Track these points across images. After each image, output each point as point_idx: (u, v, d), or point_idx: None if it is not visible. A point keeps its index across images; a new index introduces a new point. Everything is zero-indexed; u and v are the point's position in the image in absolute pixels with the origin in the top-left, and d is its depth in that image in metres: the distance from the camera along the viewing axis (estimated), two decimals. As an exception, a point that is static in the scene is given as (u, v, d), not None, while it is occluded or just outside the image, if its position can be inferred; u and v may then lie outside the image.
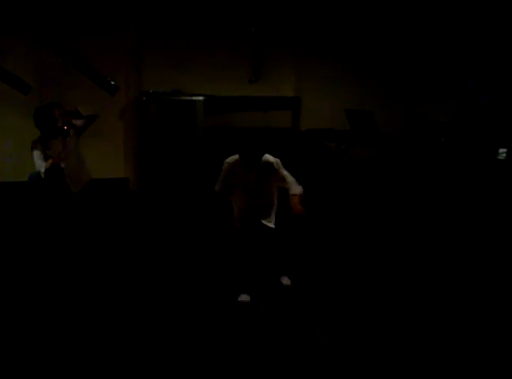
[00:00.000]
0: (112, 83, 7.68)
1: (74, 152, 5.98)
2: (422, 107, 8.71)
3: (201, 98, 8.00)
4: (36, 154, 5.79)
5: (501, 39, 7.92)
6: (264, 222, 4.70)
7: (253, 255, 4.70)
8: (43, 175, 5.72)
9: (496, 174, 6.90)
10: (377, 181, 7.92)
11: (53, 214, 5.90)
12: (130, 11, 7.91)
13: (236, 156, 4.53)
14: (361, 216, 7.16)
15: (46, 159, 5.75)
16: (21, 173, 6.44)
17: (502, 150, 7.14)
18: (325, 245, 6.17)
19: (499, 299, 4.77)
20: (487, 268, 5.45)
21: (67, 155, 5.85)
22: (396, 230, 6.62)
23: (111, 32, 7.84)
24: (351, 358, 3.77)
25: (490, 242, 6.04)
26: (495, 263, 5.56)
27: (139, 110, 8.07)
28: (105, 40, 7.81)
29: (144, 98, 7.90)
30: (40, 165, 5.72)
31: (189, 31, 8.24)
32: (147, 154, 8.01)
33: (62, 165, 5.83)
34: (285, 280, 4.87)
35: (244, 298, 4.54)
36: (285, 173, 4.62)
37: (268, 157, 4.55)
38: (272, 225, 4.75)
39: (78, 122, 5.91)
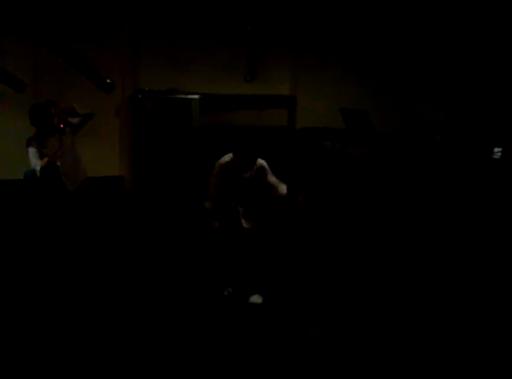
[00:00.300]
0: (108, 81, 7.65)
1: (70, 150, 5.96)
2: (417, 106, 8.73)
3: (196, 96, 8.00)
4: (32, 152, 5.77)
5: (496, 39, 7.94)
6: (246, 225, 4.64)
7: (237, 253, 4.71)
8: (38, 173, 5.71)
9: (491, 173, 6.91)
10: (372, 180, 7.93)
11: (48, 212, 5.89)
12: (126, 10, 7.90)
13: (228, 157, 4.50)
14: (357, 215, 7.17)
15: (41, 157, 5.73)
16: (17, 171, 6.42)
17: (497, 149, 7.15)
18: (321, 244, 6.18)
19: (496, 297, 4.79)
20: (484, 266, 5.47)
21: (63, 154, 5.83)
22: (392, 228, 6.63)
23: (107, 31, 7.82)
24: (347, 359, 3.79)
25: (486, 240, 6.06)
26: (492, 261, 5.58)
27: (135, 109, 8.06)
28: (101, 38, 7.80)
29: (139, 96, 7.89)
30: (36, 163, 5.70)
31: (185, 29, 8.24)
32: (142, 152, 8.00)
33: (58, 163, 5.81)
34: (255, 298, 4.68)
35: (229, 290, 4.69)
36: (274, 177, 4.68)
37: (260, 160, 4.56)
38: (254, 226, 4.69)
39: (74, 120, 5.90)
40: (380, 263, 5.59)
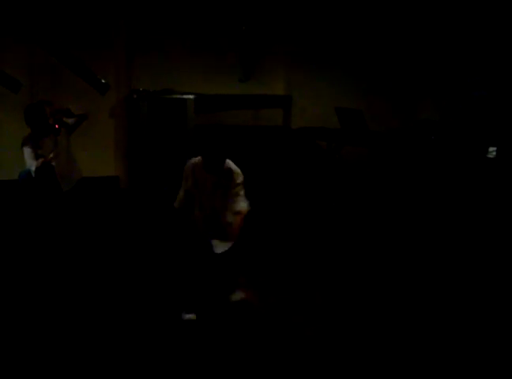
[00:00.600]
0: (103, 81, 7.65)
1: (65, 151, 5.95)
2: (412, 106, 8.75)
3: (191, 96, 7.99)
4: (27, 152, 5.76)
5: (491, 39, 7.96)
6: (217, 243, 4.25)
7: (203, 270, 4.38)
8: (33, 174, 5.70)
9: (486, 172, 6.93)
10: (368, 180, 7.95)
11: (43, 212, 5.88)
12: (121, 10, 7.89)
13: (196, 159, 4.26)
14: (352, 214, 7.18)
15: (36, 157, 5.72)
16: (12, 171, 6.41)
17: (492, 148, 7.17)
18: (316, 244, 6.19)
19: (492, 296, 4.80)
20: (481, 265, 5.49)
21: (58, 154, 5.83)
22: (387, 227, 6.65)
23: (102, 31, 7.80)
24: (341, 360, 3.79)
25: (481, 239, 6.08)
26: (489, 260, 5.59)
27: (130, 109, 8.04)
28: (96, 39, 7.77)
29: (134, 96, 7.88)
30: (31, 164, 5.69)
31: (180, 29, 8.22)
32: (137, 152, 7.99)
33: (53, 163, 5.81)
34: (237, 295, 4.38)
35: (189, 317, 4.24)
36: (241, 190, 4.26)
37: (233, 165, 4.27)
38: (226, 247, 4.25)
39: (69, 121, 5.90)
40: (376, 262, 5.60)
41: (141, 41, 8.11)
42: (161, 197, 7.28)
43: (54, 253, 5.49)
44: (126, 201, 7.73)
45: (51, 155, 5.78)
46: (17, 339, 3.93)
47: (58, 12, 7.52)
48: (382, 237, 6.37)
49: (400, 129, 8.13)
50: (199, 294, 4.38)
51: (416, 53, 8.69)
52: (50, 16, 7.50)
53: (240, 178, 4.24)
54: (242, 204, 4.22)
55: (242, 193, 4.25)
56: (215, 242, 4.24)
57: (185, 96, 7.99)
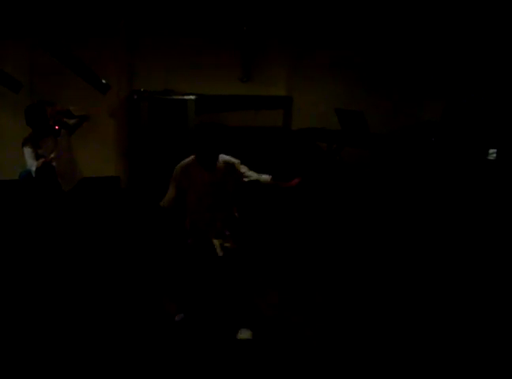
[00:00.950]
0: (104, 82, 7.65)
1: (66, 151, 5.96)
2: (413, 107, 8.75)
3: (192, 97, 7.99)
4: (27, 152, 5.77)
5: (491, 41, 7.96)
6: (218, 242, 4.16)
7: (203, 277, 4.28)
8: (34, 174, 5.71)
9: (486, 174, 6.93)
10: (368, 181, 7.95)
11: (44, 212, 5.88)
12: (121, 10, 7.89)
13: (188, 159, 4.18)
14: (352, 216, 7.19)
15: (37, 157, 5.73)
16: (12, 171, 6.42)
17: (492, 150, 7.17)
18: (317, 245, 6.19)
19: (493, 298, 4.81)
20: (481, 266, 5.49)
21: (59, 154, 5.83)
22: (388, 229, 6.65)
23: (103, 31, 7.81)
24: (342, 360, 3.79)
25: (481, 241, 6.08)
26: (489, 261, 5.59)
27: (130, 109, 8.05)
28: (96, 39, 7.78)
29: (135, 97, 7.88)
30: (31, 164, 5.70)
31: (180, 30, 8.23)
32: (138, 153, 8.00)
33: (54, 163, 5.81)
34: (244, 333, 4.07)
35: (180, 317, 4.21)
36: (247, 170, 4.27)
37: (226, 157, 4.20)
38: (229, 245, 4.17)
39: (70, 121, 5.90)
40: (377, 263, 5.60)
41: (142, 41, 8.11)
42: (161, 197, 7.28)
43: (54, 252, 5.49)
44: (126, 201, 7.73)
45: (52, 156, 5.78)
46: (17, 338, 3.93)
47: (58, 12, 7.53)
48: (383, 238, 6.37)
49: (401, 130, 8.14)
50: (198, 296, 4.37)
51: (417, 55, 8.69)
52: (51, 16, 7.50)
53: (239, 163, 4.22)
54: (265, 176, 4.28)
55: (251, 171, 4.26)
56: (216, 243, 4.16)
57: (185, 97, 7.99)
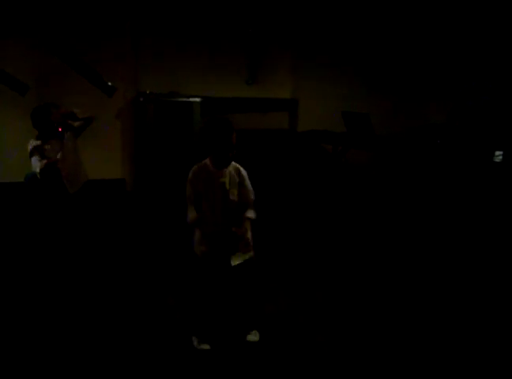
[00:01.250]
0: (109, 84, 7.68)
1: (72, 153, 5.97)
2: (418, 110, 8.73)
3: (198, 99, 8.00)
4: (33, 154, 5.79)
5: (497, 42, 7.94)
6: (235, 259, 3.93)
7: (218, 292, 4.05)
8: (38, 175, 5.72)
9: (492, 176, 6.91)
10: (373, 184, 7.94)
11: (49, 214, 5.90)
12: (127, 12, 7.92)
13: (202, 163, 3.93)
14: (358, 218, 7.18)
15: (42, 159, 5.74)
16: (18, 174, 6.44)
17: (498, 152, 7.14)
18: (323, 247, 6.19)
19: (498, 300, 4.79)
20: (485, 269, 5.47)
21: (64, 156, 5.85)
22: (393, 232, 6.64)
23: (109, 34, 7.84)
24: (351, 363, 3.79)
25: (486, 244, 6.06)
26: (493, 265, 5.58)
27: (136, 112, 8.07)
28: (102, 42, 7.81)
29: (141, 99, 7.90)
30: (36, 165, 5.72)
31: (186, 32, 8.25)
32: (144, 155, 8.01)
33: (59, 165, 5.83)
34: (252, 336, 4.06)
35: (203, 346, 3.92)
36: (250, 187, 4.01)
37: (237, 164, 3.98)
38: (247, 256, 3.97)
39: (75, 124, 5.91)
40: (381, 266, 5.59)
41: (148, 44, 8.14)
42: (167, 200, 7.30)
43: (59, 254, 5.51)
44: (132, 204, 7.75)
45: (57, 157, 5.79)
46: (19, 338, 3.95)
47: (64, 15, 7.56)
48: (389, 240, 6.36)
49: (406, 132, 8.12)
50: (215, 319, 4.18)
51: (423, 56, 8.68)
52: (58, 19, 7.54)
53: (246, 173, 4.00)
54: (252, 212, 3.98)
55: (251, 189, 4.01)
56: (229, 254, 3.94)
57: (191, 99, 8.00)
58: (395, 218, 7.04)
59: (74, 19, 7.63)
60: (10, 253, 5.62)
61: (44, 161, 5.70)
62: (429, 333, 4.18)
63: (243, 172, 3.96)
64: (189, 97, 8.03)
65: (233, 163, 3.95)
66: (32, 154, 5.76)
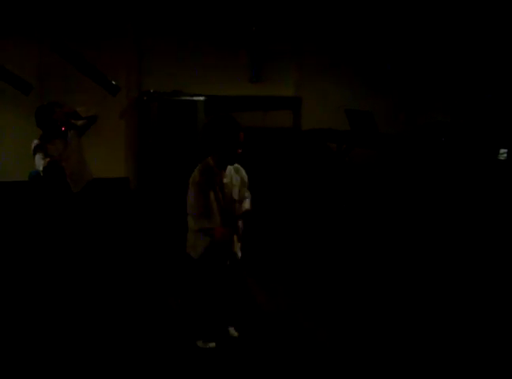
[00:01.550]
0: (113, 83, 7.68)
1: (76, 152, 5.97)
2: (422, 108, 8.72)
3: (201, 98, 8.00)
4: (37, 152, 5.79)
5: (502, 40, 7.92)
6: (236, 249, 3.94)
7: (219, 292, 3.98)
8: (41, 173, 5.73)
9: (497, 174, 6.89)
10: (377, 182, 7.92)
11: (52, 212, 5.90)
12: (130, 11, 7.92)
13: (204, 162, 3.84)
14: (361, 217, 7.17)
15: (45, 157, 5.75)
16: (22, 173, 6.45)
17: (502, 150, 7.12)
18: (326, 245, 6.18)
19: (499, 299, 4.77)
20: (488, 268, 5.46)
21: (68, 155, 5.85)
22: (396, 230, 6.62)
23: (112, 33, 7.84)
24: (355, 361, 3.78)
25: (490, 242, 6.04)
26: (496, 263, 5.56)
27: (140, 110, 8.08)
28: (105, 41, 7.82)
29: (145, 98, 7.90)
30: (40, 164, 5.72)
31: (189, 30, 8.25)
32: (148, 154, 8.02)
33: (63, 164, 5.83)
34: (232, 331, 4.09)
35: (211, 345, 3.91)
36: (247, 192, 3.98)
37: (238, 165, 3.93)
38: (239, 254, 3.98)
39: (78, 123, 5.91)
40: (384, 264, 5.58)
41: (151, 43, 8.14)
42: (171, 198, 7.30)
43: (63, 253, 5.51)
44: (135, 203, 7.75)
45: (60, 155, 5.79)
46: (20, 338, 3.95)
47: (68, 15, 7.57)
48: (393, 238, 6.35)
49: (411, 130, 8.11)
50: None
51: (427, 54, 8.66)
52: (61, 19, 7.55)
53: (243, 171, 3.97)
54: (248, 203, 3.95)
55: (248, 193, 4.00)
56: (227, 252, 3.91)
57: (195, 98, 8.00)
58: (399, 216, 7.02)
59: (78, 18, 7.64)
60: (12, 251, 5.63)
61: (47, 159, 5.70)
62: (429, 333, 4.17)
63: (243, 172, 3.93)
64: (192, 96, 8.03)
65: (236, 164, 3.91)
66: (35, 152, 5.77)
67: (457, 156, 7.13)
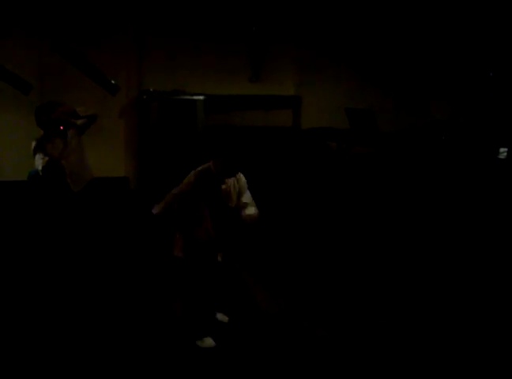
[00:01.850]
0: (113, 82, 7.68)
1: (76, 151, 5.96)
2: (422, 106, 8.70)
3: (201, 97, 8.00)
4: (37, 152, 5.79)
5: (503, 38, 7.91)
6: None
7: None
8: (40, 173, 5.72)
9: (497, 173, 6.88)
10: (377, 181, 7.92)
11: (52, 212, 5.90)
12: (130, 11, 7.92)
13: (206, 165, 3.90)
14: (361, 215, 7.16)
15: (45, 157, 5.74)
16: (22, 172, 6.44)
17: (502, 149, 7.12)
18: (326, 245, 6.17)
19: (499, 299, 4.77)
20: (487, 267, 5.45)
21: (68, 155, 5.84)
22: (397, 229, 6.62)
23: (111, 32, 7.84)
24: (355, 360, 3.78)
25: (490, 241, 6.04)
26: (495, 263, 5.56)
27: (140, 110, 8.07)
28: (105, 40, 7.82)
29: (144, 97, 7.90)
30: (39, 163, 5.72)
31: (189, 30, 8.24)
32: (147, 153, 8.01)
33: (63, 163, 5.82)
34: (221, 316, 4.23)
35: (209, 343, 3.93)
36: (248, 193, 4.00)
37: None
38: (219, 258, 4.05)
39: (78, 122, 5.91)
40: (384, 263, 5.57)
41: (151, 42, 8.14)
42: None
43: (63, 253, 5.51)
44: (135, 202, 7.74)
45: (60, 155, 5.79)
46: (21, 337, 3.95)
47: (68, 14, 7.57)
48: (392, 238, 6.34)
49: (411, 129, 8.10)
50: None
51: (427, 52, 8.64)
52: (61, 18, 7.54)
53: (244, 179, 4.00)
54: (254, 208, 3.95)
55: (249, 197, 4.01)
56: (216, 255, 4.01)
57: (195, 97, 8.01)
58: (399, 215, 7.02)
59: (78, 17, 7.63)
60: (12, 251, 5.62)
61: (46, 158, 5.69)
62: (429, 332, 4.17)
63: (243, 179, 3.96)
64: (192, 95, 8.04)
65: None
66: (35, 152, 5.76)
67: (458, 155, 7.12)
